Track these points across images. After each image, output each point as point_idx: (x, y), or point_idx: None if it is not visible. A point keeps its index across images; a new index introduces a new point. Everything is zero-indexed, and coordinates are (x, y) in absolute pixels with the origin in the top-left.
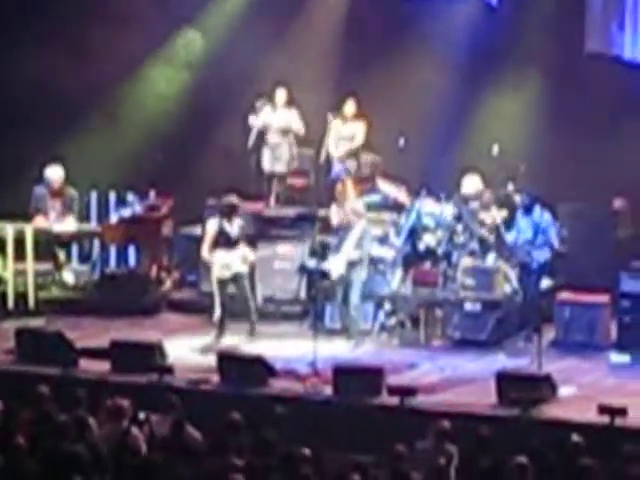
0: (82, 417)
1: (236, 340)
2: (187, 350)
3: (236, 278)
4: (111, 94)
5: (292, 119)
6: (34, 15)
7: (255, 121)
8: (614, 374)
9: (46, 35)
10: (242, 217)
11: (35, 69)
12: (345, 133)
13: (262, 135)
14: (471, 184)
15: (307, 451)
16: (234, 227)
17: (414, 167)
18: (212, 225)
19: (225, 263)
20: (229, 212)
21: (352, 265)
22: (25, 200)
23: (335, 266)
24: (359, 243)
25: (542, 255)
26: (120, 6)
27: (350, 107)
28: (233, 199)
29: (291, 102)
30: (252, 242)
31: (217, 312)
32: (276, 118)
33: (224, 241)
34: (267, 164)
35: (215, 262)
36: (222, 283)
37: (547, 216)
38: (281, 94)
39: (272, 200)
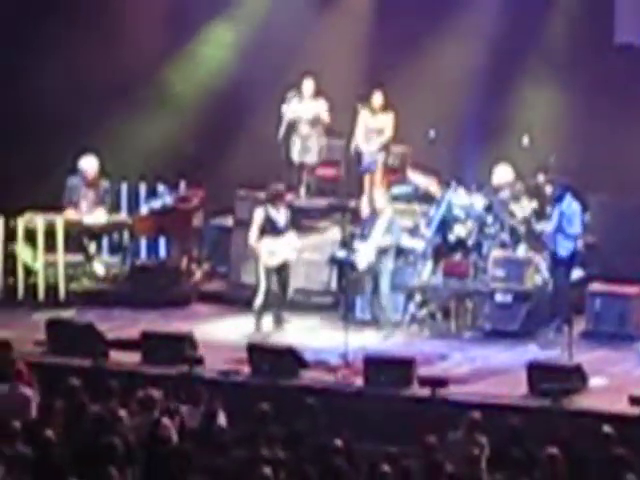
0: (114, 408)
1: (271, 332)
2: (219, 341)
3: (282, 266)
4: (141, 86)
5: (320, 109)
6: (64, 2)
7: (285, 112)
8: None
9: (77, 23)
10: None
11: (66, 59)
12: (374, 125)
13: (292, 126)
14: (502, 175)
15: (339, 442)
16: (281, 215)
17: (444, 158)
18: (259, 213)
19: (271, 250)
20: (275, 199)
21: (381, 253)
22: (55, 193)
23: (363, 254)
24: (388, 229)
25: (569, 244)
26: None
27: (378, 99)
28: (279, 186)
29: (319, 93)
30: None
31: (259, 300)
32: (304, 109)
33: (271, 229)
34: (297, 155)
35: (262, 250)
36: (269, 271)
37: (575, 205)
38: (308, 85)
39: (302, 191)
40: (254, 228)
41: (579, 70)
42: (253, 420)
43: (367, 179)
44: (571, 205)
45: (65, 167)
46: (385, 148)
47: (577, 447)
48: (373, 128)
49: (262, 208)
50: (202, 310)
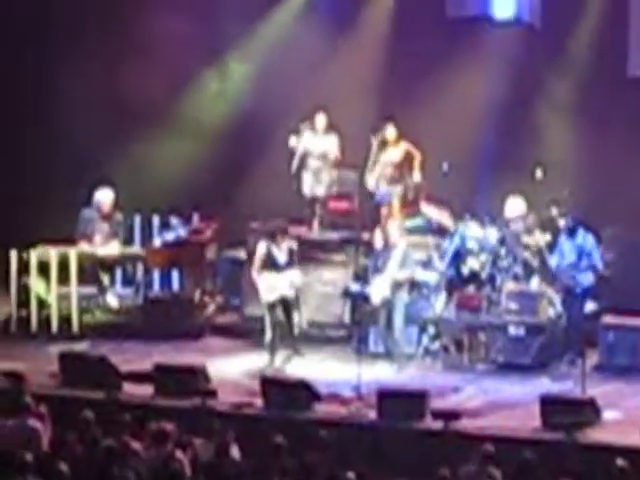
0: (126, 441)
1: (283, 365)
2: (232, 374)
3: (283, 301)
4: (155, 118)
5: (331, 144)
6: (76, 32)
7: (296, 145)
8: None
9: (94, 55)
10: (292, 239)
11: (82, 92)
12: (387, 158)
13: (304, 159)
14: (514, 207)
15: (351, 475)
16: (282, 251)
17: (458, 191)
18: (261, 247)
19: (270, 286)
20: (277, 236)
21: (396, 287)
22: (69, 225)
23: (378, 288)
24: (403, 263)
25: (586, 279)
26: (162, 31)
27: (390, 132)
28: (280, 223)
29: (331, 127)
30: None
31: (268, 335)
32: (316, 143)
33: (271, 264)
34: (308, 188)
35: (261, 285)
36: (271, 306)
37: (591, 239)
38: (321, 119)
39: (316, 224)
40: (256, 261)
41: (592, 103)
42: (266, 453)
43: (383, 211)
44: (587, 238)
45: (78, 199)
46: (403, 180)
47: None
48: (387, 160)
49: (264, 242)
50: (215, 343)
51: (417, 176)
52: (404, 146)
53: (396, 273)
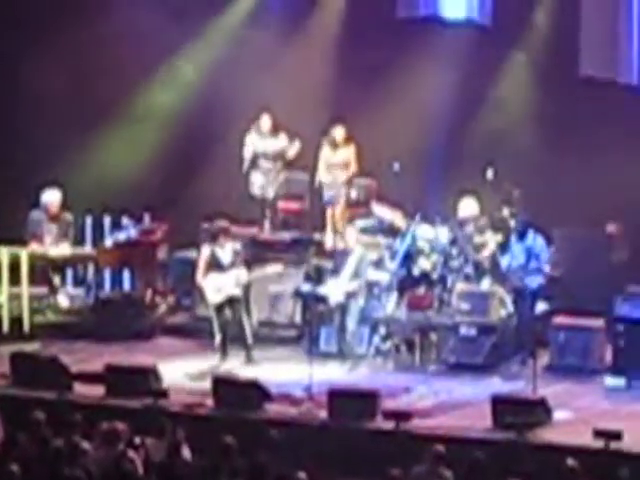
0: (76, 442)
1: (234, 365)
2: (183, 374)
3: (230, 301)
4: (104, 118)
5: (281, 144)
6: (30, 24)
7: (246, 150)
8: (609, 398)
9: (44, 56)
10: (237, 240)
11: (28, 91)
12: (335, 159)
13: (254, 160)
14: (467, 208)
15: (302, 475)
16: (226, 251)
17: (409, 191)
18: (205, 251)
19: (216, 287)
20: (219, 236)
21: (350, 295)
22: (20, 225)
23: (333, 293)
24: (356, 272)
25: (535, 281)
26: (119, 28)
27: (340, 133)
28: (222, 223)
29: (278, 127)
30: (247, 266)
31: (217, 337)
32: (264, 144)
33: (216, 265)
34: (257, 189)
35: (207, 286)
36: (218, 307)
37: (540, 241)
38: (265, 120)
39: (267, 224)
40: (200, 265)
41: (544, 103)
42: (217, 453)
43: (329, 212)
44: (536, 240)
45: (28, 200)
46: (348, 182)
47: None
48: (335, 162)
49: (208, 245)
50: (166, 343)
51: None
52: (353, 148)
53: (348, 283)
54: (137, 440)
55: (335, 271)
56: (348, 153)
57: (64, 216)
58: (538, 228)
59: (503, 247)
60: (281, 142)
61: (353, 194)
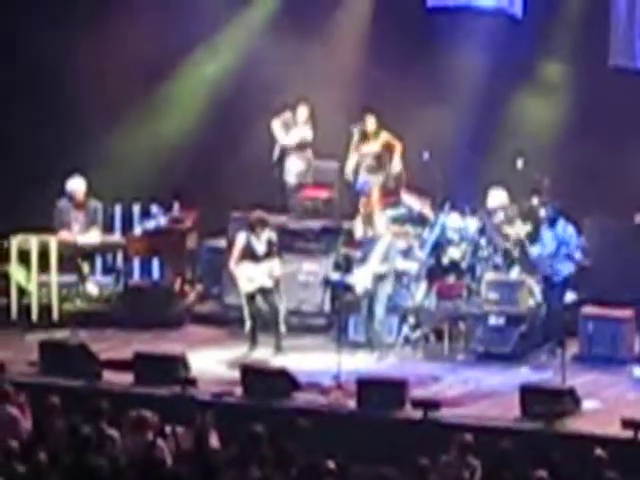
0: (104, 430)
1: (264, 354)
2: (212, 363)
3: (262, 291)
4: (135, 105)
5: (308, 133)
6: (58, 16)
7: (278, 134)
8: (637, 388)
9: (69, 42)
10: (272, 230)
11: (55, 81)
12: (367, 149)
13: (285, 149)
14: (496, 198)
15: (330, 464)
16: (261, 241)
17: (439, 180)
18: (240, 238)
19: (249, 276)
20: (256, 227)
21: (378, 279)
22: (49, 213)
23: (361, 279)
24: (385, 256)
25: (565, 268)
26: (144, 14)
27: (370, 122)
28: (260, 214)
29: (311, 117)
30: (280, 255)
31: (248, 324)
32: (297, 133)
33: (250, 255)
34: (294, 177)
35: (239, 275)
36: (250, 296)
37: (570, 229)
38: (303, 110)
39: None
40: (234, 252)
41: (574, 92)
42: (245, 441)
43: (362, 201)
44: (567, 229)
45: (56, 189)
46: (383, 170)
47: (568, 470)
48: (366, 152)
49: (244, 234)
50: (195, 331)
51: (397, 166)
52: (384, 137)
53: (377, 266)
54: (167, 429)
55: (363, 259)
56: (379, 142)
57: (90, 204)
58: (568, 217)
59: (533, 237)
60: (309, 130)
61: (390, 183)
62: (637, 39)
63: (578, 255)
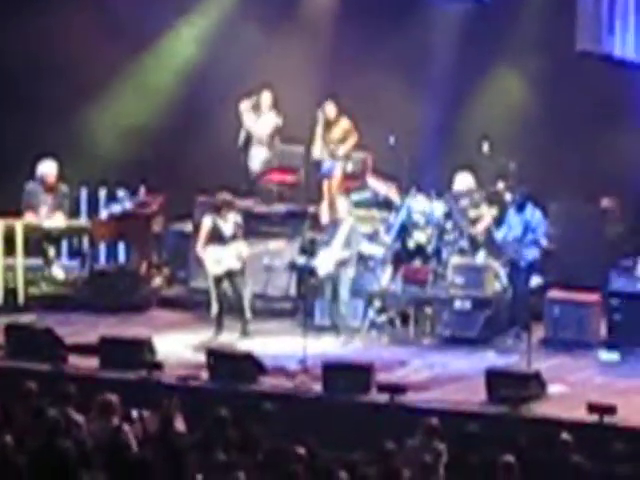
0: (70, 413)
1: (230, 338)
2: (178, 346)
3: (229, 274)
4: (101, 90)
5: (275, 119)
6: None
7: (251, 120)
8: (603, 372)
9: (35, 26)
10: (238, 213)
11: (22, 63)
12: (330, 135)
13: (250, 135)
14: (463, 182)
15: (301, 449)
16: (228, 224)
17: (404, 164)
18: (206, 222)
19: (217, 259)
20: (222, 209)
21: (341, 263)
22: (14, 196)
23: (323, 263)
24: (347, 241)
25: (530, 253)
26: (107, 4)
27: (330, 109)
28: (226, 196)
29: (275, 104)
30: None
31: (214, 308)
32: (262, 119)
33: (217, 237)
34: (259, 164)
35: (207, 258)
36: (217, 279)
37: (538, 214)
38: (267, 96)
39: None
40: (201, 236)
41: (540, 76)
42: (211, 425)
43: (325, 185)
44: (534, 214)
45: (24, 172)
46: (345, 155)
47: (535, 454)
48: (330, 137)
49: (210, 217)
50: (161, 315)
51: (343, 152)
52: (344, 124)
53: (339, 251)
54: (134, 413)
55: (327, 243)
56: (341, 128)
57: (60, 187)
58: (537, 202)
59: (498, 220)
60: (276, 117)
61: (349, 167)
62: (603, 24)
63: (544, 241)
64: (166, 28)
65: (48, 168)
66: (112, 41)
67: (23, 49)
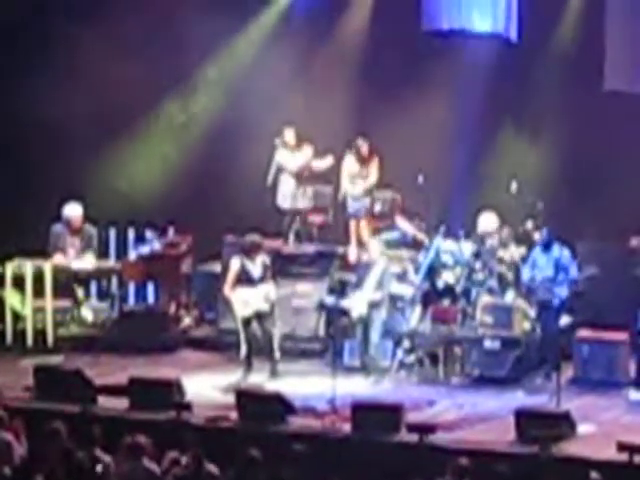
0: (98, 455)
1: (259, 379)
2: (207, 387)
3: (258, 316)
4: (128, 131)
5: (307, 157)
6: (48, 50)
7: (273, 163)
8: (633, 411)
9: (62, 70)
10: (267, 254)
11: (50, 105)
12: (360, 173)
13: (279, 173)
14: (488, 222)
15: None
16: (256, 265)
17: (433, 204)
18: (234, 263)
19: (245, 300)
20: (251, 251)
21: (373, 305)
22: (44, 238)
23: (356, 305)
24: (380, 283)
25: (563, 292)
26: (135, 41)
27: (364, 147)
28: (255, 237)
29: (303, 140)
30: (274, 279)
31: (243, 349)
32: (291, 157)
33: (245, 279)
34: (285, 201)
35: (235, 300)
36: (246, 321)
37: (566, 253)
38: (289, 134)
39: (291, 238)
40: (229, 277)
41: (567, 116)
42: (241, 466)
43: (353, 225)
44: (563, 252)
45: (51, 212)
46: (370, 194)
47: None
48: (360, 176)
49: (238, 258)
50: (190, 356)
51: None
52: (375, 162)
53: (372, 293)
54: (170, 455)
55: (358, 284)
56: (370, 166)
57: (86, 229)
58: (563, 241)
59: (524, 260)
60: (306, 155)
61: (377, 207)
62: (632, 63)
63: (578, 279)
64: (189, 75)
65: (73, 211)
66: (134, 79)
67: (51, 91)
